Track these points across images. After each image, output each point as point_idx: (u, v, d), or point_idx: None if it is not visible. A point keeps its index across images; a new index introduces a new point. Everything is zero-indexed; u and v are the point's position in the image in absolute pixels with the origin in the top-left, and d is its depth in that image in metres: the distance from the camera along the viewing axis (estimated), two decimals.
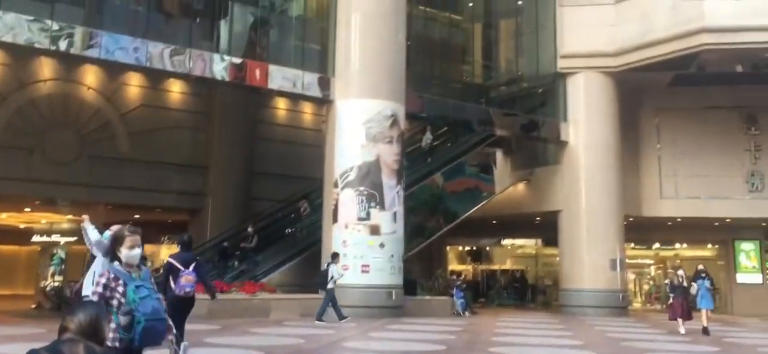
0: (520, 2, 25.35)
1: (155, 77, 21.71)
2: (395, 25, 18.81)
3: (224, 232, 22.66)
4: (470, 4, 24.76)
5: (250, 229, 21.68)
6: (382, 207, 18.31)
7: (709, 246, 29.51)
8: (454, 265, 31.09)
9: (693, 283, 16.08)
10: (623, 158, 23.98)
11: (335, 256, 16.70)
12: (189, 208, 24.90)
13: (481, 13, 25.29)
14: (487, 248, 32.80)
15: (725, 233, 27.58)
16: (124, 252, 4.66)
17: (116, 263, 4.68)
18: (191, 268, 9.01)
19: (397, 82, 18.86)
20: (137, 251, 4.69)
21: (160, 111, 23.81)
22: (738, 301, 27.42)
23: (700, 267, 16.95)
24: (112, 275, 4.55)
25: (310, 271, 18.98)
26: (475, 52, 24.56)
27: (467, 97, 22.82)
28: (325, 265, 16.81)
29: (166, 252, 27.82)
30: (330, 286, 16.10)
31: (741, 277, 27.91)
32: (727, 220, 25.97)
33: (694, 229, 27.53)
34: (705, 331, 15.45)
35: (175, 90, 24.14)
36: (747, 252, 27.72)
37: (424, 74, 22.23)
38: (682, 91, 24.97)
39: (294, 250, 21.53)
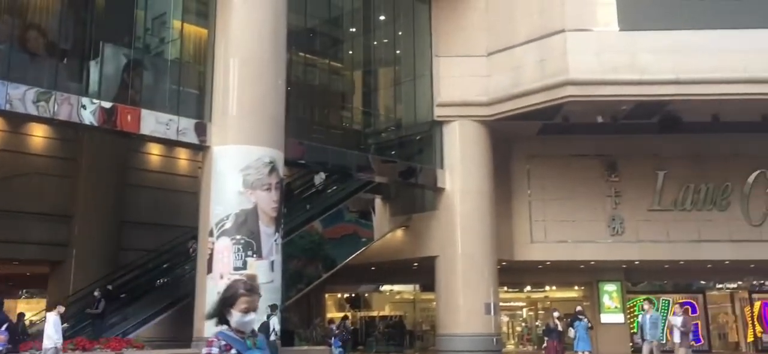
0: (398, 51, 25.90)
1: (16, 121, 20.29)
2: (275, 71, 18.58)
3: (90, 285, 21.29)
4: (350, 52, 25.03)
5: (96, 293, 20.13)
6: (260, 256, 17.86)
7: (576, 287, 30.88)
8: (332, 313, 30.79)
9: (570, 328, 16.37)
10: (497, 204, 24.77)
11: (274, 308, 16.19)
12: (50, 260, 23.27)
13: (361, 61, 25.61)
14: (366, 295, 32.77)
15: (590, 275, 28.98)
16: (236, 317, 3.88)
17: (225, 327, 3.93)
18: (3, 327, 8.43)
19: (277, 128, 18.59)
20: (253, 316, 3.96)
21: (21, 156, 22.25)
22: (602, 340, 28.77)
23: (579, 308, 17.27)
24: (224, 342, 3.83)
25: (183, 325, 18.15)
26: (355, 99, 24.77)
27: (347, 144, 22.89)
28: (266, 317, 16.13)
29: (23, 307, 25.77)
30: (272, 338, 15.56)
31: (605, 317, 29.32)
32: (592, 262, 27.31)
33: (562, 272, 28.77)
34: None
35: (38, 134, 22.70)
36: (610, 293, 29.18)
37: (305, 120, 22.14)
38: (550, 140, 26.25)
39: (166, 303, 20.55)
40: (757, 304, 30.62)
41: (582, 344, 16.26)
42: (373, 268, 28.03)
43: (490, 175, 24.56)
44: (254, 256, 17.78)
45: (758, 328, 30.36)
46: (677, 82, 21.34)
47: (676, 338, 13.89)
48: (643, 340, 15.07)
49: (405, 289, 33.00)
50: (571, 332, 16.36)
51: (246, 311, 3.89)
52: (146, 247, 22.88)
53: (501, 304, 29.13)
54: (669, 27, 21.68)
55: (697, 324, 30.03)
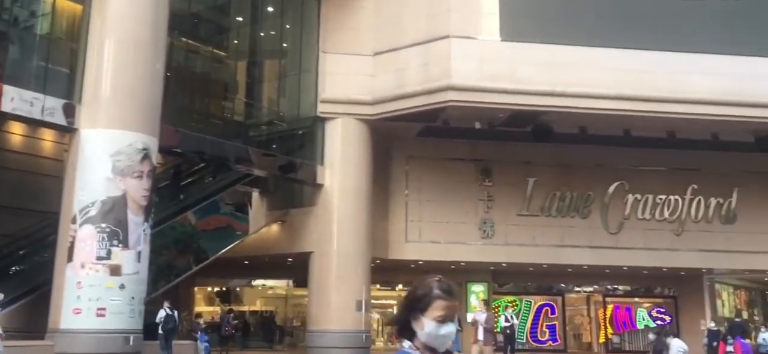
0: (285, 44, 25.45)
1: None
2: (153, 55, 17.69)
3: None
4: (235, 41, 24.33)
5: None
6: (126, 246, 17.12)
7: None
8: (201, 307, 29.87)
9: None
10: (374, 203, 24.90)
11: None
12: None
13: (246, 51, 24.94)
14: (238, 289, 32.05)
15: (460, 276, 29.71)
16: (428, 327, 2.86)
17: (408, 346, 2.92)
18: None
19: (152, 114, 17.74)
20: (452, 328, 2.91)
21: None
22: (467, 339, 29.66)
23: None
24: None
25: (38, 315, 17.03)
26: (237, 90, 24.08)
27: (227, 135, 22.22)
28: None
29: None
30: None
31: (470, 316, 30.21)
32: (462, 263, 28.11)
33: (433, 271, 29.14)
34: None
35: None
36: (477, 293, 30.10)
37: (183, 108, 21.27)
38: (429, 142, 26.73)
39: (20, 291, 19.12)
40: (610, 307, 32.69)
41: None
42: (246, 262, 27.45)
43: (370, 174, 24.67)
44: (120, 245, 17.04)
45: (609, 330, 32.43)
46: (551, 94, 22.35)
47: (480, 335, 13.75)
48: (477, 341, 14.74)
49: (278, 285, 32.57)
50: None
51: (442, 320, 2.90)
52: (3, 232, 21.18)
53: (372, 301, 29.44)
54: (547, 41, 22.64)
55: (554, 325, 31.72)
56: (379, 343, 32.21)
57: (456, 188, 27.21)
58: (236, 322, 22.26)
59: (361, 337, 23.40)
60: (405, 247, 26.80)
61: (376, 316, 34.03)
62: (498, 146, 26.95)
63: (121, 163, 17.46)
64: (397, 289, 32.07)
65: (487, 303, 14.28)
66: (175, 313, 19.65)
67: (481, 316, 13.53)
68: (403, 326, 2.99)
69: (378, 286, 30.02)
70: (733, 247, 28.07)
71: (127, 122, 17.20)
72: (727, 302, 34.18)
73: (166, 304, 19.73)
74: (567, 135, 25.07)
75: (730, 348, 16.79)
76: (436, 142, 26.72)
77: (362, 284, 23.83)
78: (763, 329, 20.04)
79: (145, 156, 17.63)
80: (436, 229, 26.94)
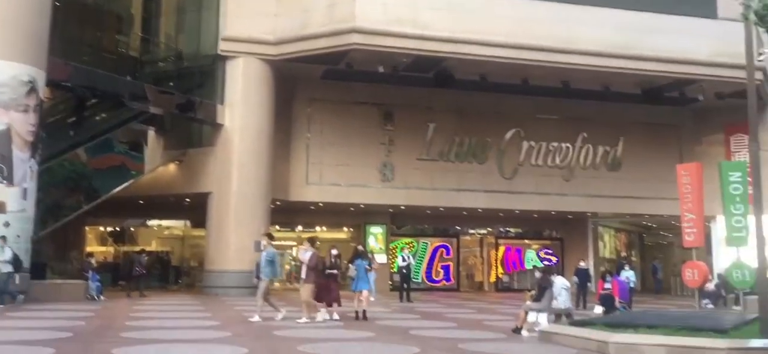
0: None
1: None
2: None
3: None
4: None
5: None
6: (10, 182, 16.62)
7: (346, 229, 31.97)
8: (93, 247, 28.82)
9: (350, 266, 15.30)
10: (275, 144, 24.69)
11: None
12: None
13: None
14: (132, 229, 31.11)
15: (359, 218, 30.13)
16: None
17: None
18: None
19: (39, 45, 16.80)
20: None
21: None
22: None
23: (360, 247, 16.74)
24: None
25: None
26: (133, 23, 22.95)
27: (121, 70, 21.30)
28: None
29: None
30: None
31: (378, 259, 30.70)
32: (362, 205, 28.42)
33: (333, 214, 29.58)
34: (361, 315, 14.62)
35: None
36: (376, 235, 30.54)
37: (73, 40, 20.15)
38: (332, 85, 26.59)
39: None
40: (501, 249, 34.06)
41: (362, 284, 15.02)
42: (141, 202, 26.64)
43: (272, 115, 24.35)
44: (4, 182, 16.56)
45: (500, 270, 33.86)
46: (452, 40, 22.70)
47: (303, 274, 13.68)
48: (259, 278, 14.40)
49: (175, 225, 31.84)
50: (352, 271, 15.67)
51: None
52: None
53: (273, 242, 29.34)
54: None
55: (448, 265, 32.77)
56: (277, 284, 32.24)
57: (358, 132, 27.31)
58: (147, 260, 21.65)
59: None
60: (306, 189, 26.79)
61: None
62: (400, 91, 27.17)
63: (4, 95, 16.65)
64: (296, 230, 32.05)
65: (312, 242, 14.11)
66: None
67: (306, 255, 13.36)
68: None
69: (277, 227, 29.92)
70: (617, 193, 29.77)
71: (11, 53, 16.35)
72: (609, 244, 36.40)
73: None
74: (467, 82, 25.59)
75: (607, 285, 17.89)
76: (339, 85, 26.62)
77: (261, 225, 23.74)
78: (627, 267, 21.45)
79: (31, 89, 16.81)
80: (337, 172, 27.05)
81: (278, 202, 25.72)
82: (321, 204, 27.71)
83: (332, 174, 27.00)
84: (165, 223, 31.73)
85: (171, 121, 24.74)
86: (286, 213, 27.86)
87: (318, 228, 32.07)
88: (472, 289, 33.16)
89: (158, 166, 24.91)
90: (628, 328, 11.43)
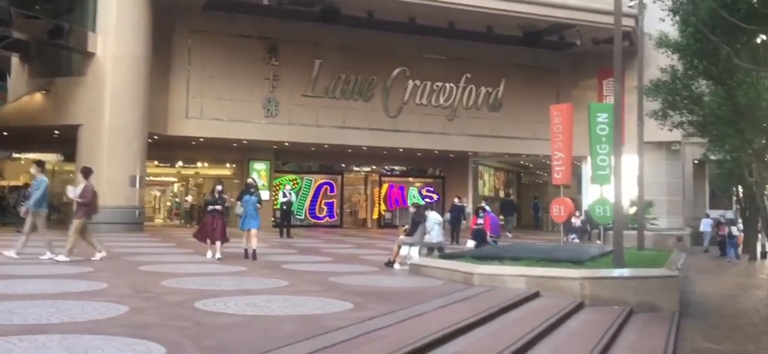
0: None
1: None
2: None
3: None
4: None
5: None
6: None
7: (228, 165, 31.37)
8: None
9: (238, 203, 14.21)
10: (153, 76, 23.66)
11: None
12: None
13: None
14: None
15: (242, 154, 29.59)
16: None
17: None
18: None
19: None
20: None
21: None
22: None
23: (250, 181, 15.54)
24: None
25: None
26: None
27: None
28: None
29: None
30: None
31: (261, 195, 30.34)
32: (245, 141, 27.91)
33: (215, 149, 28.90)
34: (250, 254, 13.61)
35: None
36: (259, 171, 30.11)
37: None
38: (215, 17, 25.68)
39: None
40: (385, 186, 34.56)
41: (250, 222, 13.91)
42: (5, 134, 24.97)
43: (149, 45, 23.26)
44: None
45: (383, 207, 34.39)
46: None
47: (75, 208, 12.78)
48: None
49: (45, 158, 30.03)
50: (238, 208, 14.22)
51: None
52: None
53: (151, 178, 28.47)
54: None
55: (332, 202, 32.96)
56: (158, 220, 31.45)
57: (241, 66, 26.63)
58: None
59: (134, 212, 22.69)
60: (186, 123, 25.96)
61: (155, 193, 33.05)
62: (286, 25, 26.62)
63: None
64: (176, 166, 31.17)
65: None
66: None
67: (75, 192, 12.33)
68: None
69: (157, 162, 29.00)
70: (497, 133, 30.72)
71: None
72: (488, 182, 37.65)
73: None
74: (355, 18, 25.38)
75: (480, 221, 18.57)
76: (222, 16, 25.77)
77: (137, 159, 22.92)
78: (486, 206, 22.18)
79: None
80: (219, 106, 26.36)
81: (156, 136, 24.82)
82: (202, 139, 26.98)
83: (214, 108, 26.28)
84: (34, 156, 29.93)
85: (37, 48, 23.15)
86: (165, 148, 26.98)
87: (199, 164, 31.38)
88: (355, 225, 33.56)
89: (23, 96, 23.35)
90: (493, 260, 11.90)
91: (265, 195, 29.54)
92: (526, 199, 41.25)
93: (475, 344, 6.74)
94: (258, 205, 14.37)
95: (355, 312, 7.60)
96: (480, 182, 36.07)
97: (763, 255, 26.48)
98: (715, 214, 29.72)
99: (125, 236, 19.87)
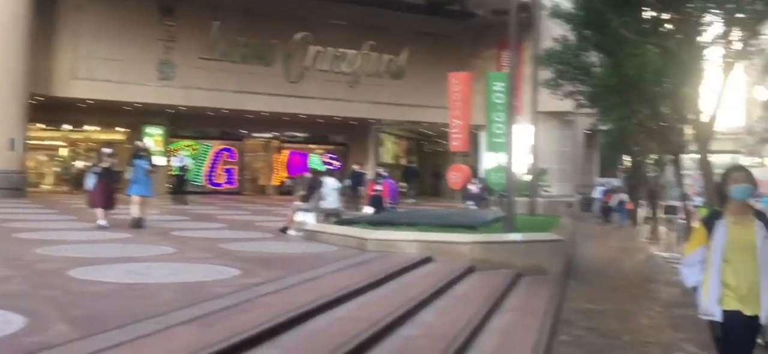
0: None
1: None
2: None
3: None
4: None
5: None
6: None
7: (120, 129, 30.03)
8: None
9: (128, 167, 13.18)
10: (36, 35, 22.27)
11: None
12: None
13: None
14: None
15: (135, 118, 28.34)
16: None
17: None
18: None
19: None
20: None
21: None
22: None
23: (140, 144, 14.73)
24: None
25: None
26: None
27: None
28: None
29: None
30: None
31: (155, 161, 29.21)
32: (138, 104, 26.75)
33: (106, 112, 27.57)
34: (137, 222, 12.69)
35: None
36: (154, 136, 29.05)
37: None
38: None
39: None
40: (286, 153, 34.09)
41: (139, 188, 12.96)
42: None
43: (28, 2, 21.77)
44: None
45: (284, 174, 33.92)
46: None
47: None
48: None
49: None
50: (128, 172, 13.15)
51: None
52: None
53: (36, 142, 26.95)
54: None
55: (232, 169, 32.28)
56: (45, 186, 29.82)
57: (134, 26, 25.49)
58: None
59: (14, 177, 21.41)
60: (73, 84, 24.66)
61: (43, 158, 31.29)
62: None
63: None
64: (63, 129, 29.56)
65: None
66: None
67: None
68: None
69: (43, 126, 27.43)
70: (399, 101, 30.77)
71: None
72: (390, 150, 37.82)
73: None
74: None
75: (378, 187, 18.59)
76: None
77: (18, 122, 21.59)
78: (385, 172, 22.15)
79: None
80: (110, 68, 25.17)
81: (40, 98, 23.41)
82: (91, 101, 25.67)
83: (104, 69, 25.06)
84: None
85: None
86: (49, 110, 25.50)
87: (87, 127, 29.88)
88: (255, 192, 32.98)
89: None
90: (388, 226, 11.91)
91: (160, 161, 28.59)
92: (428, 167, 41.71)
93: (362, 308, 6.67)
94: (149, 168, 13.51)
95: (242, 278, 7.37)
96: (382, 150, 36.17)
97: (645, 220, 27.91)
98: (602, 181, 31.07)
99: (3, 202, 18.68)
